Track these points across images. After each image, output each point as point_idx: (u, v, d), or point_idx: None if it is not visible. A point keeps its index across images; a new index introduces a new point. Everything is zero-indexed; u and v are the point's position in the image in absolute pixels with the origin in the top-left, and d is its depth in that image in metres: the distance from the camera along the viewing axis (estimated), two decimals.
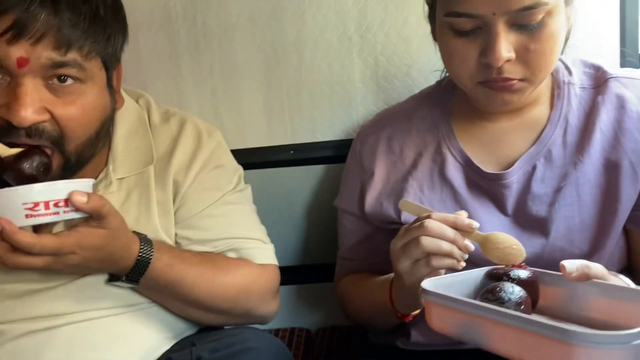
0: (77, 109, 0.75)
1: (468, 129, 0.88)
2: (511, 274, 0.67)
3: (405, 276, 0.72)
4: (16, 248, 0.67)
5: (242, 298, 0.88)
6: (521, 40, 0.74)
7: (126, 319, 0.84)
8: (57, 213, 0.69)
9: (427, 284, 0.64)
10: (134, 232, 0.79)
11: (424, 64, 1.11)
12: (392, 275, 0.82)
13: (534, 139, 0.84)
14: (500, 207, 0.85)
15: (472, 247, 0.71)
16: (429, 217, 0.71)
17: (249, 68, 1.17)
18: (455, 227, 0.70)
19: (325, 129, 1.18)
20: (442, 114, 0.91)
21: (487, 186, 0.85)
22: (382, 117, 0.99)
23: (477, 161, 0.86)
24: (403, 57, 1.12)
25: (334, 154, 1.16)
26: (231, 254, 0.91)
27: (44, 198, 0.68)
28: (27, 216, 0.67)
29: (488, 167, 0.85)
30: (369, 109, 1.14)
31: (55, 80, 0.73)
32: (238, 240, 0.92)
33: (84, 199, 0.69)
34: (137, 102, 0.93)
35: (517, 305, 0.61)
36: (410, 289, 0.73)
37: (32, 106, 0.71)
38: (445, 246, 0.69)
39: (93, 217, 0.71)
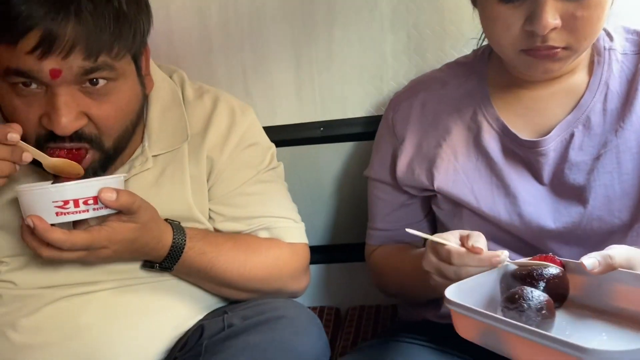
0: (112, 107, 0.76)
1: (504, 96, 0.87)
2: (535, 274, 0.65)
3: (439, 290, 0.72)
4: (41, 239, 0.69)
5: (273, 278, 0.89)
6: (568, 7, 0.72)
7: (160, 289, 0.85)
8: (87, 210, 0.70)
9: (450, 292, 0.64)
10: (166, 220, 0.80)
11: (456, 35, 1.08)
12: None
13: (572, 106, 0.82)
14: (537, 175, 0.83)
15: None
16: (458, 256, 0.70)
17: (279, 45, 1.16)
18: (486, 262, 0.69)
19: (356, 105, 1.17)
20: (478, 82, 0.90)
21: (523, 154, 0.84)
22: (416, 84, 0.98)
23: (513, 129, 0.84)
24: (435, 29, 1.10)
25: (364, 130, 1.15)
26: (263, 233, 0.92)
27: (74, 196, 0.69)
28: (57, 214, 0.69)
29: (525, 135, 0.84)
30: (400, 84, 1.12)
31: (88, 84, 0.73)
32: (270, 219, 0.93)
33: (113, 196, 0.70)
34: (170, 77, 0.94)
35: (538, 311, 0.60)
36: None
37: (71, 114, 0.72)
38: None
39: (123, 212, 0.73)
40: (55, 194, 0.69)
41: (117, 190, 0.71)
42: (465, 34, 1.06)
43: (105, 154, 0.78)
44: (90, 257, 0.73)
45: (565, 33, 0.73)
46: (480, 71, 0.91)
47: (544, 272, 0.65)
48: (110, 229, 0.72)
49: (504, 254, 0.69)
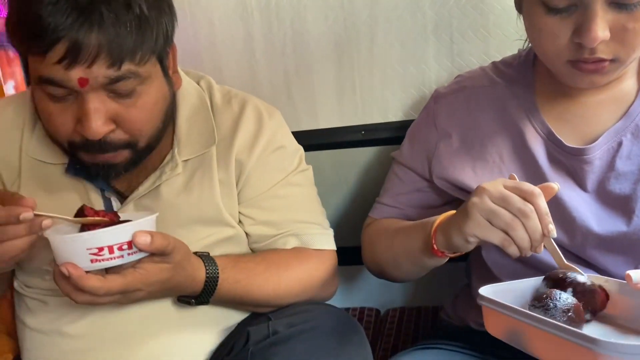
0: (140, 110, 0.77)
1: (551, 102, 0.85)
2: (567, 279, 0.65)
3: (473, 231, 0.70)
4: (75, 286, 0.69)
5: (306, 290, 0.90)
6: (619, 19, 0.70)
7: None
8: (122, 256, 0.69)
9: (485, 290, 0.65)
10: (195, 253, 0.80)
11: (501, 39, 1.07)
12: (436, 217, 0.80)
13: (621, 114, 0.80)
14: (580, 183, 0.81)
15: (542, 250, 0.70)
16: (532, 193, 0.68)
17: (321, 48, 1.17)
18: (540, 221, 0.68)
19: (397, 109, 1.16)
20: (524, 84, 0.88)
21: (567, 161, 0.82)
22: (463, 79, 0.96)
23: (559, 135, 0.82)
24: (479, 32, 1.08)
25: (405, 134, 1.15)
26: (292, 241, 0.92)
27: (108, 242, 0.68)
28: (92, 261, 0.68)
29: (570, 142, 0.82)
30: None
31: (115, 91, 0.74)
32: (300, 225, 0.93)
33: (148, 239, 0.69)
34: (198, 83, 0.94)
35: (564, 312, 0.60)
36: (467, 242, 0.72)
37: (100, 120, 0.73)
38: (526, 243, 0.68)
39: (157, 254, 0.72)
40: (90, 241, 0.68)
41: (152, 234, 0.70)
42: (510, 37, 1.04)
43: (137, 152, 0.80)
44: (124, 300, 0.73)
45: (614, 45, 0.71)
46: (526, 73, 0.89)
47: (578, 278, 0.65)
48: (144, 271, 0.71)
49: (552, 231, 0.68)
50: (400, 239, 0.90)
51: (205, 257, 0.81)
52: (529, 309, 0.62)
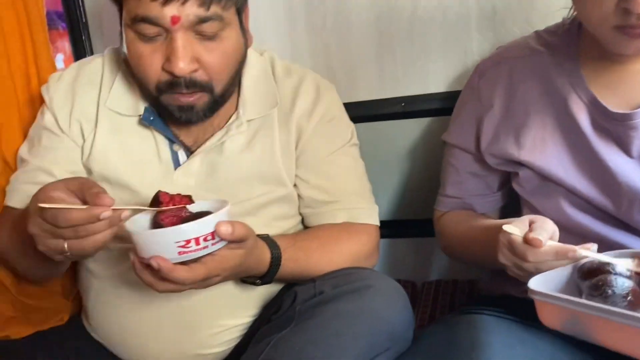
0: (221, 54, 0.83)
1: (595, 68, 0.84)
2: (610, 268, 0.65)
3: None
4: (160, 276, 0.72)
5: (354, 263, 0.92)
6: None
7: None
8: (206, 247, 0.72)
9: (534, 283, 0.66)
10: (258, 235, 0.83)
11: (544, 8, 1.05)
12: (502, 221, 0.81)
13: None
14: (626, 149, 0.81)
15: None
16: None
17: (362, 21, 1.17)
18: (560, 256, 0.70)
19: (439, 80, 1.16)
20: (567, 52, 0.87)
21: (612, 127, 0.82)
22: (505, 50, 0.96)
23: (603, 101, 0.82)
24: (523, 1, 1.07)
25: (446, 106, 1.14)
26: (342, 215, 0.95)
27: (195, 235, 0.70)
28: (179, 253, 0.70)
29: (615, 108, 0.81)
30: (484, 58, 1.11)
31: (201, 32, 0.81)
32: (351, 195, 0.96)
33: (230, 229, 0.72)
34: (261, 55, 1.00)
35: (623, 297, 0.60)
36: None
37: (187, 57, 0.80)
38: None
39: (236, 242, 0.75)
40: (178, 234, 0.70)
41: (232, 224, 0.73)
42: (553, 5, 1.03)
43: (214, 98, 0.86)
44: (202, 285, 0.76)
45: None
46: (570, 41, 0.88)
47: (613, 266, 0.65)
48: (221, 258, 0.74)
49: (579, 251, 0.68)
50: (473, 248, 0.93)
51: (267, 239, 0.85)
52: (587, 299, 0.62)
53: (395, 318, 0.81)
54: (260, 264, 0.82)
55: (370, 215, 0.98)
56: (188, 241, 0.70)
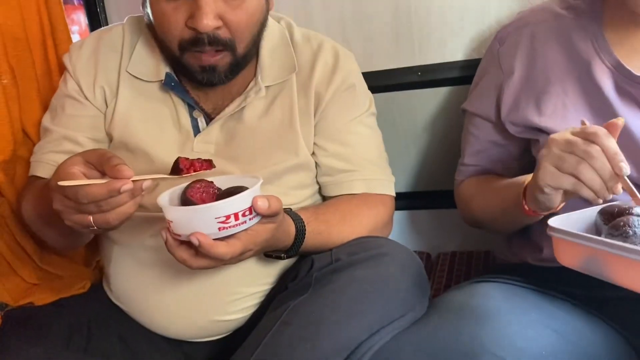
0: (243, 13, 0.84)
1: (619, 33, 0.83)
2: (632, 211, 0.64)
3: (545, 181, 0.70)
4: (199, 253, 0.71)
5: (371, 232, 0.93)
6: None
7: None
8: (245, 222, 0.71)
9: (554, 221, 0.66)
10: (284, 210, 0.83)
11: None
12: (526, 176, 0.81)
13: None
14: None
15: (620, 192, 0.68)
16: (596, 134, 0.67)
17: None
18: (610, 161, 0.67)
19: (455, 48, 1.15)
20: (591, 15, 0.86)
21: (636, 92, 0.80)
22: (525, 15, 0.94)
23: (628, 66, 0.80)
24: None
25: (463, 74, 1.14)
26: (360, 185, 0.95)
27: (234, 210, 0.70)
28: (220, 229, 0.70)
29: (639, 72, 0.80)
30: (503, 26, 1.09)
31: None
32: (369, 165, 0.96)
33: (266, 204, 0.72)
34: (278, 22, 1.00)
35: None
36: (545, 194, 0.72)
37: (211, 14, 0.81)
38: (597, 185, 0.67)
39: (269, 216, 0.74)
40: (219, 210, 0.70)
41: (268, 198, 0.72)
42: None
43: (236, 58, 0.86)
44: (235, 261, 0.75)
45: None
46: (595, 4, 0.86)
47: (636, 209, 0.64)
48: (254, 232, 0.74)
49: (626, 169, 0.66)
50: (495, 201, 0.91)
51: (291, 212, 0.85)
52: (606, 237, 0.62)
53: (410, 284, 0.82)
54: (287, 237, 0.83)
55: (387, 186, 0.98)
56: (228, 217, 0.70)
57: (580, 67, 0.85)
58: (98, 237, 0.99)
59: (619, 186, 0.68)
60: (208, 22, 0.80)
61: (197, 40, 0.82)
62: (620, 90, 0.82)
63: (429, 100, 1.20)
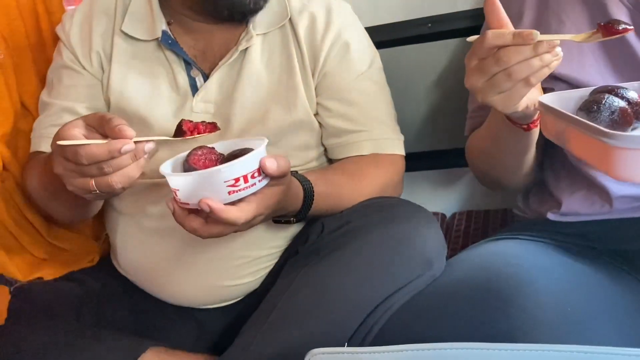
0: None
1: None
2: (618, 92, 0.61)
3: (499, 106, 0.67)
4: (209, 219, 0.69)
5: (381, 193, 0.90)
6: None
7: None
8: (254, 184, 0.69)
9: (544, 97, 0.66)
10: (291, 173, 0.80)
11: None
12: None
13: None
14: None
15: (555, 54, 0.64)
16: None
17: None
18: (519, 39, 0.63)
19: None
20: None
21: None
22: None
23: None
24: None
25: (477, 24, 1.07)
26: (368, 145, 0.92)
27: (243, 172, 0.67)
28: (230, 192, 0.67)
29: None
30: None
31: None
32: (376, 124, 0.92)
33: (275, 164, 0.69)
34: None
35: (610, 114, 0.58)
36: (509, 113, 0.69)
37: None
38: (525, 71, 0.63)
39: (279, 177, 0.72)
40: (227, 172, 0.67)
41: (276, 158, 0.69)
42: None
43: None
44: (246, 227, 0.72)
45: None
46: None
47: (628, 95, 0.61)
48: (264, 195, 0.71)
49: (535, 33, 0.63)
50: (485, 133, 0.87)
51: (297, 175, 0.82)
52: (576, 113, 0.61)
53: (426, 244, 0.79)
54: (296, 200, 0.80)
55: (397, 145, 0.95)
56: (237, 179, 0.67)
57: (596, 8, 0.80)
58: (104, 208, 0.97)
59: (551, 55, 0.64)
60: None
61: None
62: (638, 30, 0.76)
63: (442, 54, 1.15)
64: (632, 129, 0.61)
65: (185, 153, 0.72)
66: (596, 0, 0.80)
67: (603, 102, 0.59)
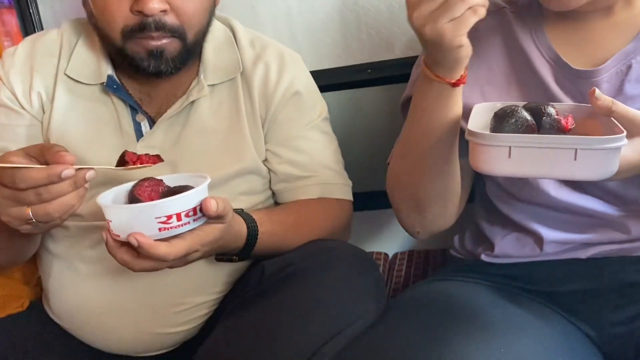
0: (192, 1, 0.82)
1: (558, 26, 0.83)
2: (542, 107, 0.66)
3: (448, 35, 0.65)
4: (140, 254, 0.67)
5: (329, 237, 0.91)
6: None
7: None
8: (188, 223, 0.68)
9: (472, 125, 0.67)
10: (234, 210, 0.80)
11: None
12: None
13: (630, 38, 0.79)
14: None
15: None
16: None
17: None
18: None
19: (404, 44, 1.13)
20: (530, 9, 0.86)
21: (574, 85, 0.81)
22: None
23: (566, 59, 0.81)
24: None
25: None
26: (315, 190, 0.93)
27: (176, 210, 0.66)
28: (160, 230, 0.66)
29: (578, 66, 0.81)
30: None
31: None
32: (326, 170, 0.94)
33: (214, 206, 0.68)
34: (222, 23, 0.97)
35: (515, 121, 0.63)
36: (452, 49, 0.67)
37: None
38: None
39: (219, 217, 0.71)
40: (159, 209, 0.66)
41: (216, 199, 0.69)
42: None
43: (186, 46, 0.83)
44: (180, 263, 0.71)
45: None
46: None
47: (545, 109, 0.66)
48: (201, 232, 0.70)
49: None
50: (405, 131, 0.86)
51: (242, 213, 0.82)
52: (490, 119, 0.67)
53: (365, 288, 0.80)
54: (238, 238, 0.79)
55: (345, 190, 0.97)
56: (169, 217, 0.66)
57: (521, 59, 0.85)
58: (38, 251, 0.93)
59: None
60: (154, 4, 0.77)
61: (143, 26, 0.79)
62: (560, 83, 0.82)
63: (381, 99, 1.19)
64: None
65: (131, 183, 0.71)
66: (522, 53, 0.85)
67: (514, 115, 0.64)
